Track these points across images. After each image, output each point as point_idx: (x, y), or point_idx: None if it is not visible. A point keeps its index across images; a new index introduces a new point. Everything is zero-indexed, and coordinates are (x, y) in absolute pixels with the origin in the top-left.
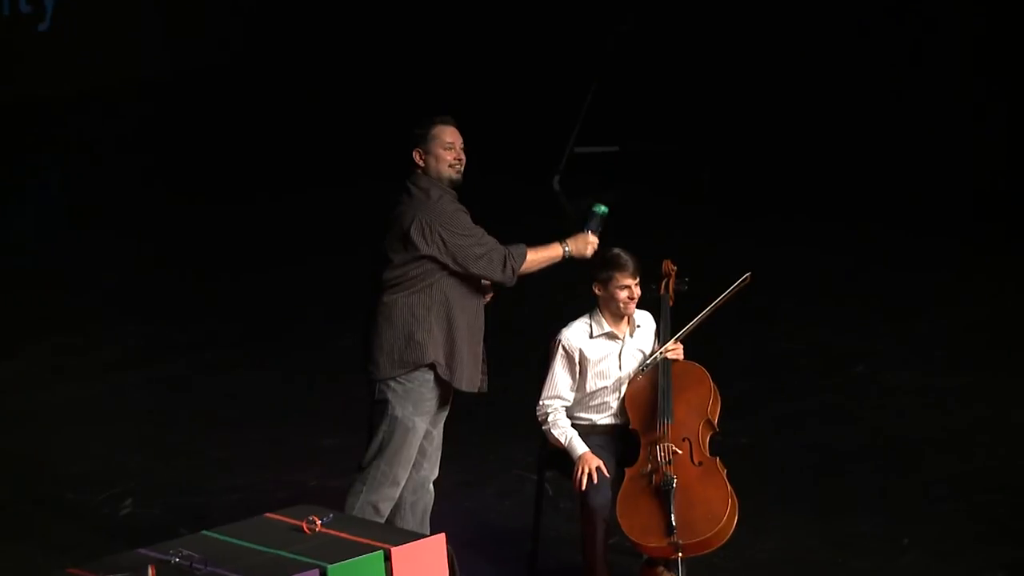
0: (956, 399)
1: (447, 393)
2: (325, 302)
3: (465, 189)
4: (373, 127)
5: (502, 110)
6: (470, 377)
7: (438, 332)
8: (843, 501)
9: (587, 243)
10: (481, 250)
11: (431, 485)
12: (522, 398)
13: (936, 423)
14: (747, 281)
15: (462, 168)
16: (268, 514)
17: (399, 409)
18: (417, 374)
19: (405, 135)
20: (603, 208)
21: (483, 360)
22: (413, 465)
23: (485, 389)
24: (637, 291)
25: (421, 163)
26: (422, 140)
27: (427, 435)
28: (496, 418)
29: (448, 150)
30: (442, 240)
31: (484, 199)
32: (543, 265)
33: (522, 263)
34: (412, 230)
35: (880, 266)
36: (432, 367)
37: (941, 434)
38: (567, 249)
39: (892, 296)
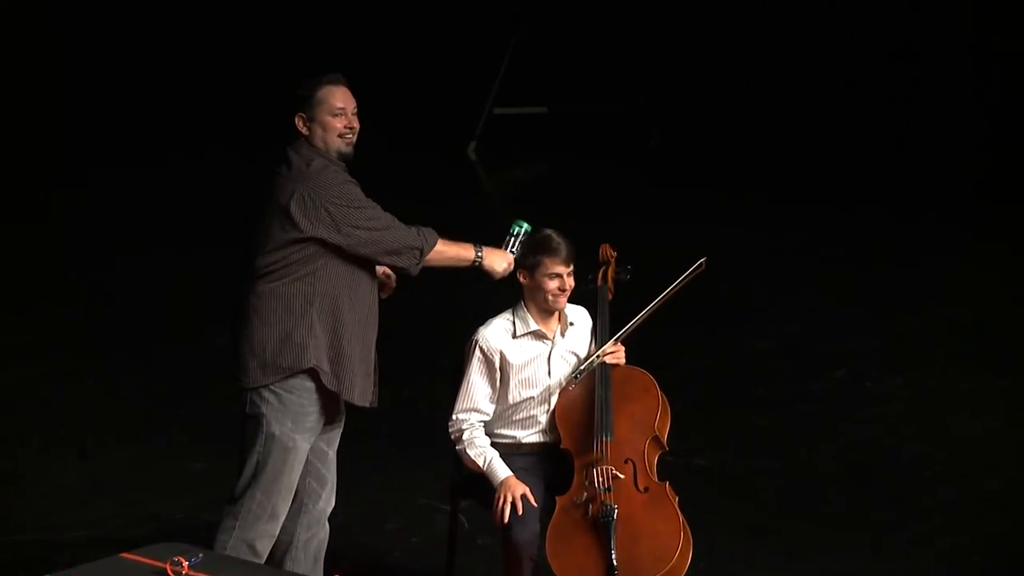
0: (959, 409)
1: (335, 404)
2: (194, 294)
3: (358, 160)
4: (236, 88)
5: (404, 62)
6: (362, 387)
7: (321, 331)
8: (821, 535)
9: (504, 260)
10: (378, 224)
11: (327, 519)
12: (431, 411)
13: (935, 438)
14: (701, 269)
15: (354, 138)
16: (124, 554)
17: (276, 425)
18: (296, 381)
19: (284, 97)
20: (525, 225)
21: (375, 368)
22: (309, 495)
23: (376, 403)
24: (570, 282)
25: (304, 131)
26: (305, 104)
27: (321, 456)
28: (400, 436)
29: (338, 117)
30: (329, 215)
31: (382, 173)
32: (448, 263)
33: (432, 247)
34: (292, 205)
35: (866, 253)
36: (313, 373)
37: (941, 452)
38: (480, 255)
39: (881, 287)
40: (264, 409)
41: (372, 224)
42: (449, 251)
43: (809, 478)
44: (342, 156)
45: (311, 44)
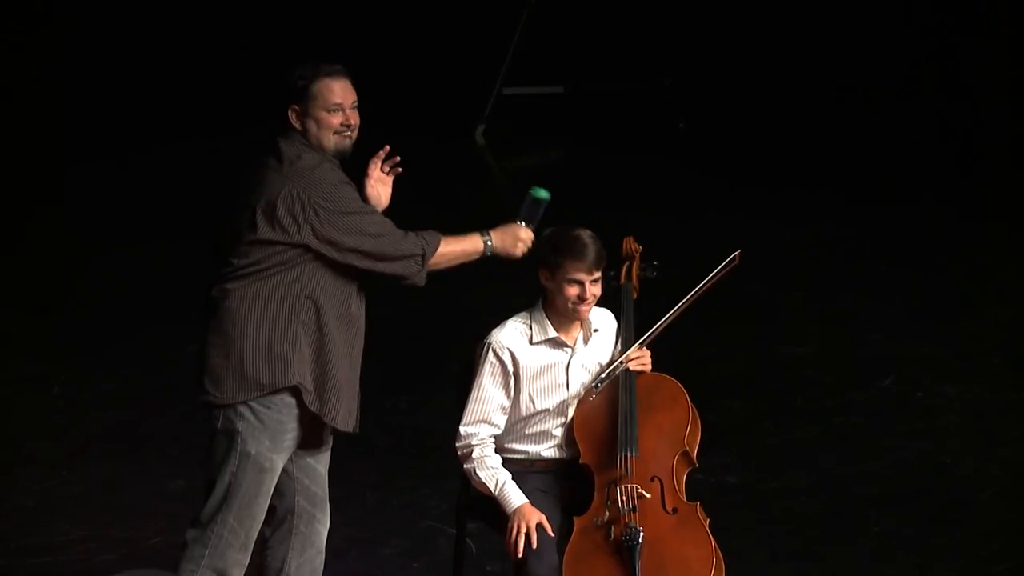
0: (1019, 422)
1: (319, 420)
2: (166, 293)
3: (356, 147)
4: (226, 68)
5: (404, 36)
6: (347, 410)
7: (306, 345)
8: (866, 562)
9: (517, 238)
10: (372, 230)
11: (322, 543)
12: (435, 422)
13: (992, 456)
14: (735, 263)
15: (353, 135)
16: None
17: (252, 443)
18: (277, 398)
19: (278, 84)
20: (544, 193)
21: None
22: (300, 516)
23: (358, 429)
24: (594, 290)
25: (297, 125)
26: (299, 97)
27: (311, 473)
28: (400, 449)
29: (335, 112)
30: (317, 219)
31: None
32: (457, 261)
33: (435, 251)
34: (279, 204)
35: (914, 250)
36: (295, 390)
37: (998, 469)
38: (489, 243)
39: (930, 286)
40: (239, 425)
41: (364, 232)
42: (455, 248)
43: (853, 498)
44: (338, 153)
45: (300, 14)
